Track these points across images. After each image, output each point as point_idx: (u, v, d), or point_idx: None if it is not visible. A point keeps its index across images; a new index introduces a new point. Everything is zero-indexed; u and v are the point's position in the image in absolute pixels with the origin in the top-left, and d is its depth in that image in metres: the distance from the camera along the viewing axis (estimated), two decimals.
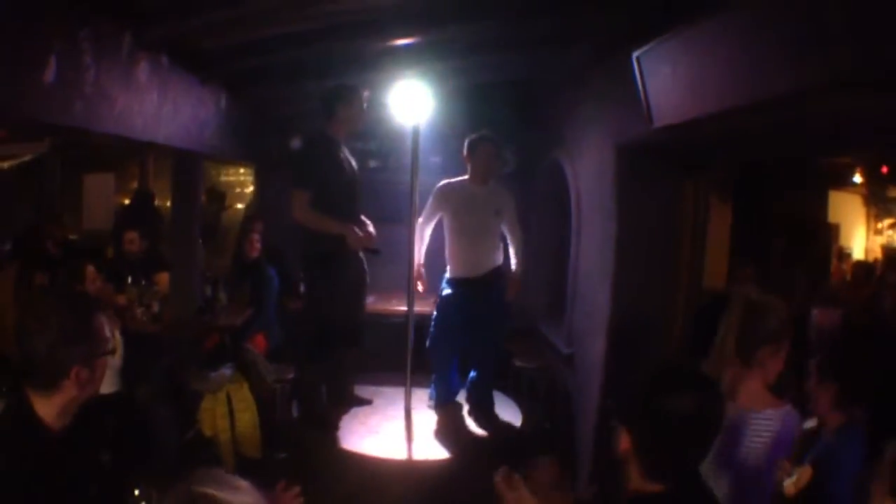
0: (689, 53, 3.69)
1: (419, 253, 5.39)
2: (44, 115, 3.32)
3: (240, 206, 11.59)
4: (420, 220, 5.30)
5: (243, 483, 1.55)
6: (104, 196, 9.32)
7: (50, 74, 3.23)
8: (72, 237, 8.94)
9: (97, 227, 8.89)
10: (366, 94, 4.98)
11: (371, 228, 5.06)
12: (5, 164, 8.52)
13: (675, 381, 1.93)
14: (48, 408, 2.01)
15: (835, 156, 6.42)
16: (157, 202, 9.53)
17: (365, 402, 5.49)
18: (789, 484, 2.46)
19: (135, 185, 10.26)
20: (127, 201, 10.17)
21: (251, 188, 11.48)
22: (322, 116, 4.96)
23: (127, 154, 9.32)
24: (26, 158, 8.49)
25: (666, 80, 3.96)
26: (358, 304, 5.21)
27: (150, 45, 4.12)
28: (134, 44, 3.96)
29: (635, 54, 4.10)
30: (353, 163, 5.07)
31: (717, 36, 3.41)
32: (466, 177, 5.38)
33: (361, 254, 5.06)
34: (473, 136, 5.35)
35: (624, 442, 1.92)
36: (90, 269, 4.91)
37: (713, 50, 3.45)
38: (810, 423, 2.48)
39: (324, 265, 4.84)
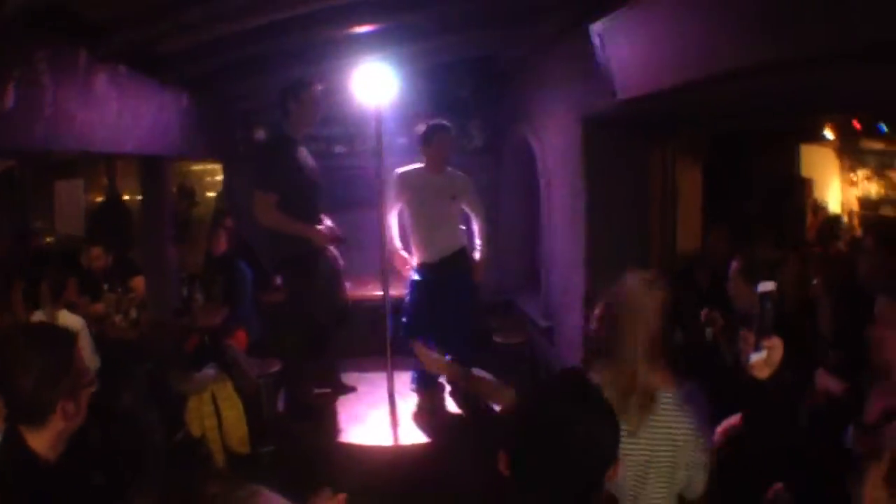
0: (646, 26, 3.80)
1: (393, 237, 5.55)
2: (4, 141, 3.44)
3: (210, 194, 11.66)
4: (390, 207, 5.44)
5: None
6: (75, 201, 9.41)
7: (9, 101, 3.34)
8: (48, 240, 9.07)
9: (70, 232, 8.99)
10: (319, 87, 5.05)
11: (329, 223, 5.19)
12: None
13: (553, 394, 1.72)
14: (40, 441, 2.08)
15: (799, 122, 6.51)
16: (126, 197, 9.63)
17: (349, 389, 5.66)
18: (759, 361, 2.14)
19: (104, 181, 10.32)
20: (99, 199, 10.25)
21: (220, 176, 11.54)
22: (280, 116, 5.05)
23: (94, 158, 9.39)
24: None
25: (625, 53, 4.06)
26: (337, 293, 5.37)
27: (106, 56, 4.20)
28: (90, 58, 4.04)
29: (595, 28, 4.19)
30: (311, 160, 5.18)
31: (673, 9, 3.51)
32: (422, 164, 5.50)
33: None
34: (428, 124, 5.47)
35: (502, 465, 1.71)
36: (73, 281, 5.04)
37: (670, 23, 3.56)
38: (768, 286, 2.14)
39: (296, 266, 4.97)
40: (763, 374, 2.13)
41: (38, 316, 4.81)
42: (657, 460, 2.40)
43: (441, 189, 5.44)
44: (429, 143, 5.42)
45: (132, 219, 8.43)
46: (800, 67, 3.01)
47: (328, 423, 5.22)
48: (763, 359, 2.13)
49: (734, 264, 3.63)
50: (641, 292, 2.47)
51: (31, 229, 8.61)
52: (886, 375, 2.72)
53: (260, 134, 6.81)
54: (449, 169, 5.54)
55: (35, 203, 9.40)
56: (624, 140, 5.28)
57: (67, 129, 3.90)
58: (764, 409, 2.24)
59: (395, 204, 5.51)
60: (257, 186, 4.88)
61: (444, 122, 5.49)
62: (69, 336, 2.25)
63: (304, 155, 5.11)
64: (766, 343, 2.12)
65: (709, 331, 3.71)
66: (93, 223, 8.90)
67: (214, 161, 9.60)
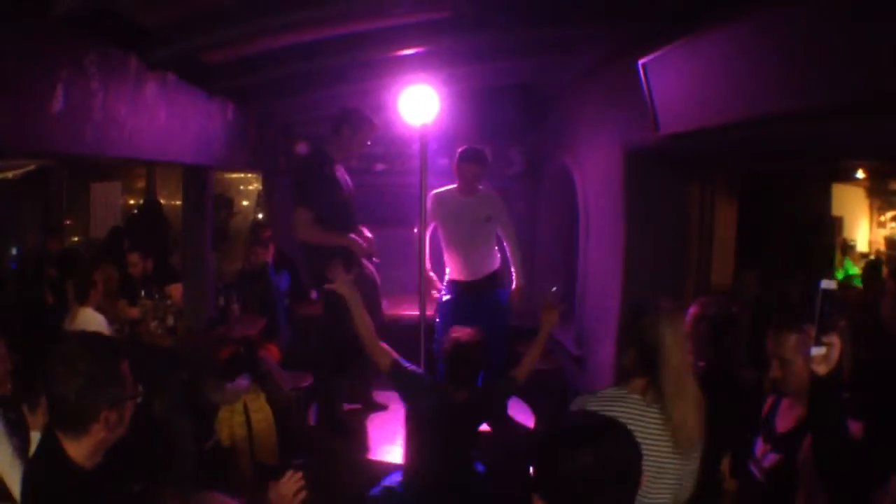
0: (695, 64, 3.66)
1: (425, 257, 5.35)
2: (54, 145, 3.23)
3: (245, 203, 11.47)
4: (424, 226, 5.26)
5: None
6: (112, 204, 9.18)
7: (58, 104, 3.12)
8: (75, 239, 8.83)
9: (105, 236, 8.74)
10: (376, 123, 4.99)
11: (369, 234, 5.06)
12: (10, 174, 8.34)
13: (573, 435, 1.68)
14: (79, 449, 1.99)
15: (835, 164, 6.31)
16: (163, 201, 9.40)
17: (380, 406, 5.47)
18: (818, 356, 2.15)
19: (140, 184, 10.10)
20: (132, 201, 10.04)
21: (254, 185, 11.38)
22: (328, 133, 4.94)
23: (136, 162, 9.16)
24: (32, 168, 8.32)
25: (671, 88, 3.92)
26: (373, 308, 5.12)
27: (156, 64, 4.00)
28: (140, 65, 3.84)
29: (641, 62, 4.04)
30: (348, 178, 5.05)
31: (723, 48, 3.38)
32: (455, 185, 5.38)
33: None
34: (463, 148, 5.32)
35: None
36: (101, 283, 4.81)
37: (719, 62, 3.43)
38: (831, 285, 2.16)
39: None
40: (821, 370, 2.16)
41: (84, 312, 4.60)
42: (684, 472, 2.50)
43: (474, 210, 5.32)
44: (459, 166, 5.29)
45: (170, 225, 8.20)
46: (847, 113, 2.91)
47: (358, 440, 5.04)
48: (822, 354, 2.14)
49: (692, 310, 3.45)
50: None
51: (59, 228, 8.38)
52: (789, 389, 2.68)
53: (301, 147, 6.61)
54: (481, 189, 5.40)
55: (70, 203, 9.18)
56: (664, 174, 5.07)
57: (117, 136, 3.70)
58: (824, 404, 2.25)
59: (430, 223, 5.36)
60: (296, 202, 4.75)
61: (479, 148, 5.35)
62: (118, 347, 2.17)
63: (342, 173, 4.98)
64: (825, 339, 2.14)
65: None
66: (129, 227, 8.62)
67: (254, 172, 9.39)
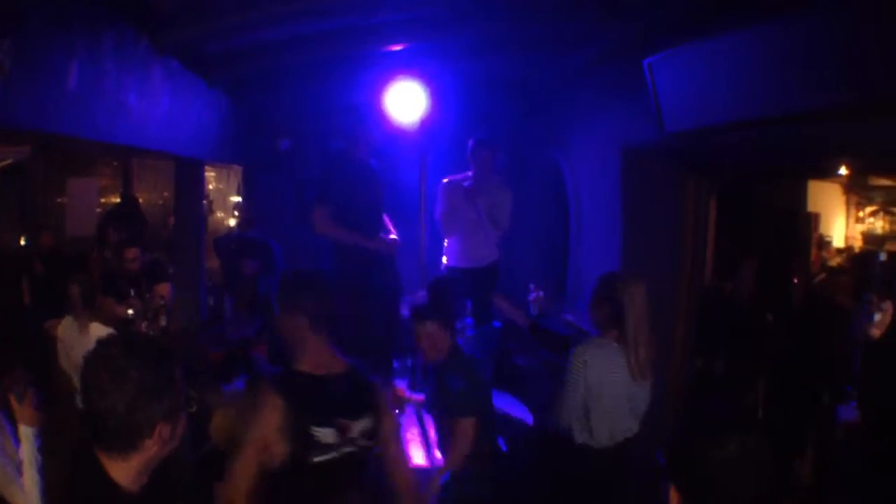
0: (704, 64, 3.65)
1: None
2: (66, 125, 2.89)
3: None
4: (442, 213, 5.32)
5: None
6: (89, 201, 8.69)
7: (73, 80, 2.79)
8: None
9: (82, 234, 8.23)
10: (388, 119, 5.09)
11: (394, 235, 4.99)
12: None
13: (716, 427, 1.70)
14: (124, 470, 1.70)
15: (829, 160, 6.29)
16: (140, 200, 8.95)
17: None
18: (879, 321, 2.47)
19: (104, 182, 9.59)
20: (102, 200, 9.53)
21: (213, 184, 10.95)
22: (348, 137, 4.90)
23: (107, 155, 8.68)
24: (6, 163, 7.79)
25: (679, 88, 3.89)
26: (396, 309, 5.12)
27: (164, 49, 3.70)
28: (149, 48, 3.53)
29: (647, 61, 3.98)
30: (373, 174, 5.00)
31: (734, 50, 3.40)
32: (469, 173, 5.40)
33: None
34: (474, 140, 5.36)
35: (674, 500, 1.71)
36: (74, 288, 4.39)
37: (730, 63, 3.44)
38: (882, 256, 2.45)
39: (360, 280, 4.67)
40: (877, 332, 2.48)
41: (66, 322, 4.24)
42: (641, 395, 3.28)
43: (484, 196, 5.31)
44: (472, 157, 5.33)
45: (147, 222, 7.75)
46: (858, 113, 2.95)
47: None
48: (879, 321, 2.45)
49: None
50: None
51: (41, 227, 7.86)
52: None
53: (284, 143, 6.36)
54: (494, 180, 5.40)
55: (45, 202, 8.64)
56: (663, 172, 4.99)
57: (125, 120, 3.39)
58: (878, 365, 2.58)
59: (439, 210, 5.37)
60: (313, 200, 4.65)
61: (487, 138, 5.39)
62: (171, 351, 1.85)
63: (369, 170, 4.94)
64: (882, 305, 2.46)
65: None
66: (108, 222, 8.06)
67: (236, 165, 8.99)
